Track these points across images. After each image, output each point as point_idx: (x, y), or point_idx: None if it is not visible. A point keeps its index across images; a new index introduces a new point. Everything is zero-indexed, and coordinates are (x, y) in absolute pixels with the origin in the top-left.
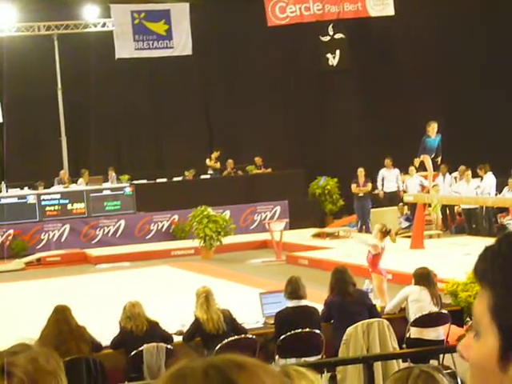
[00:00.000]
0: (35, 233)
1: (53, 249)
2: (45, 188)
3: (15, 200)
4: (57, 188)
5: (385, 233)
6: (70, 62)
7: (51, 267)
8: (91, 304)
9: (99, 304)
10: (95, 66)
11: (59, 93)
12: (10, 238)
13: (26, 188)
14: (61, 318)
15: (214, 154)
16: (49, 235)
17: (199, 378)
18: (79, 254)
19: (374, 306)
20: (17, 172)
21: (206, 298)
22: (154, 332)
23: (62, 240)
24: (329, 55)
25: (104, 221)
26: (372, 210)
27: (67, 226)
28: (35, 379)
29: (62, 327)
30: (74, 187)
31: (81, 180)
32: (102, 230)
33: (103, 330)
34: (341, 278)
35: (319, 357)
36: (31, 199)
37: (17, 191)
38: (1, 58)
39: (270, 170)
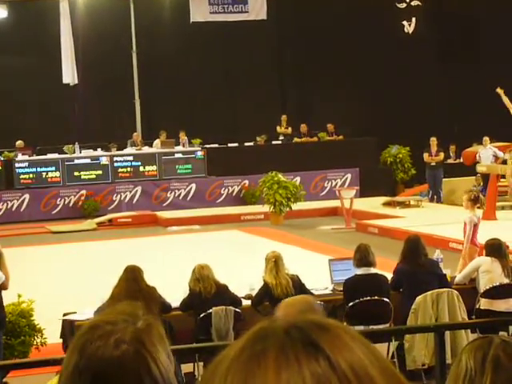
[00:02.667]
0: (107, 194)
1: (124, 210)
2: (117, 150)
3: (88, 161)
4: (129, 150)
5: (474, 200)
6: (145, 23)
7: (122, 228)
8: (161, 265)
9: (169, 265)
10: (170, 29)
11: (134, 55)
12: (83, 198)
13: (99, 149)
14: (131, 277)
15: (283, 117)
16: (120, 196)
17: (281, 338)
18: (150, 215)
19: (445, 275)
20: (90, 133)
21: (275, 262)
22: (223, 295)
23: (134, 202)
24: (404, 22)
25: (175, 184)
26: (444, 179)
27: (139, 188)
28: (149, 348)
29: (132, 287)
30: (146, 149)
31: (157, 141)
32: (173, 192)
33: (172, 291)
34: (413, 247)
35: (387, 325)
36: (104, 160)
37: (90, 152)
38: (76, 20)
39: (341, 137)
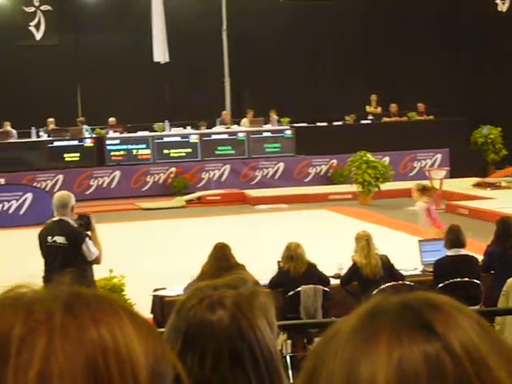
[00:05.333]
0: (196, 172)
1: (213, 188)
2: (207, 128)
3: (178, 139)
4: (218, 128)
5: (422, 190)
6: (235, 2)
7: (211, 206)
8: (249, 243)
9: (257, 243)
10: (260, 8)
11: (224, 33)
12: (172, 176)
13: (188, 127)
14: (220, 255)
15: (373, 97)
16: (209, 174)
17: (393, 317)
18: (238, 194)
19: None
20: (180, 111)
21: (366, 242)
22: (312, 274)
23: (222, 180)
24: (498, 1)
25: (263, 162)
26: None
27: (227, 167)
28: (247, 315)
29: (222, 264)
30: (235, 128)
31: (244, 120)
32: (261, 171)
33: (260, 269)
34: (506, 229)
35: (477, 307)
36: (193, 138)
37: (179, 130)
38: None
39: (432, 117)
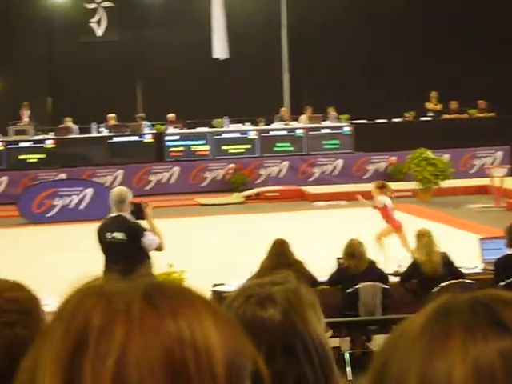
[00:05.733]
0: (255, 168)
1: (271, 184)
2: (265, 124)
3: (237, 135)
4: (277, 125)
5: (381, 187)
6: None
7: (269, 202)
8: (307, 240)
9: (315, 240)
10: (321, 3)
11: (283, 29)
12: (231, 172)
13: (247, 123)
14: (279, 251)
15: (433, 94)
16: (268, 171)
17: (465, 315)
18: (297, 190)
19: None
20: (238, 107)
21: (428, 239)
22: (372, 271)
23: (281, 176)
24: None
25: (322, 159)
26: None
27: (286, 163)
28: (297, 309)
29: (281, 260)
30: (294, 124)
31: (303, 117)
32: (319, 168)
33: (318, 265)
34: None
35: None
36: (252, 134)
37: (238, 126)
38: None
39: (492, 114)
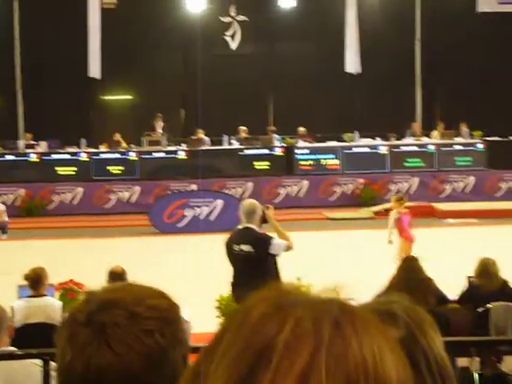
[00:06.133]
0: (385, 183)
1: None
2: (396, 139)
3: (367, 150)
4: (408, 140)
5: (399, 200)
6: (429, 12)
7: None
8: (437, 257)
9: (445, 258)
10: (455, 18)
11: (417, 43)
12: (361, 186)
13: (377, 138)
14: (410, 267)
15: None
16: (398, 186)
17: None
18: (427, 207)
19: None
20: (369, 122)
21: None
22: (504, 291)
23: (411, 192)
24: None
25: (453, 176)
26: None
27: (416, 179)
28: (418, 325)
29: (411, 277)
30: (425, 140)
31: (435, 133)
32: (450, 184)
33: (447, 283)
34: None
35: None
36: (382, 149)
37: (369, 141)
38: (361, 9)
39: None
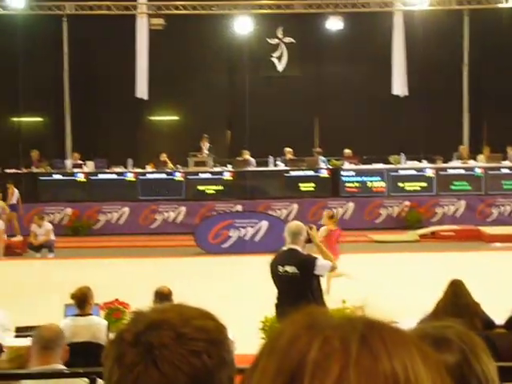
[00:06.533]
0: (431, 206)
1: (447, 223)
2: (443, 162)
3: (413, 172)
4: (455, 163)
5: (331, 217)
6: (477, 36)
7: (445, 241)
8: (483, 281)
9: (491, 282)
10: (505, 42)
11: (464, 67)
12: (406, 209)
13: (424, 161)
14: (457, 291)
15: None
16: (444, 209)
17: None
18: (473, 230)
19: None
20: (416, 144)
21: None
22: None
23: (457, 215)
24: None
25: (501, 199)
26: None
27: (463, 202)
28: (473, 350)
29: (457, 301)
30: (472, 163)
31: (481, 156)
32: (498, 208)
33: (494, 308)
34: None
35: None
36: (429, 172)
37: (415, 163)
38: (408, 31)
39: None
